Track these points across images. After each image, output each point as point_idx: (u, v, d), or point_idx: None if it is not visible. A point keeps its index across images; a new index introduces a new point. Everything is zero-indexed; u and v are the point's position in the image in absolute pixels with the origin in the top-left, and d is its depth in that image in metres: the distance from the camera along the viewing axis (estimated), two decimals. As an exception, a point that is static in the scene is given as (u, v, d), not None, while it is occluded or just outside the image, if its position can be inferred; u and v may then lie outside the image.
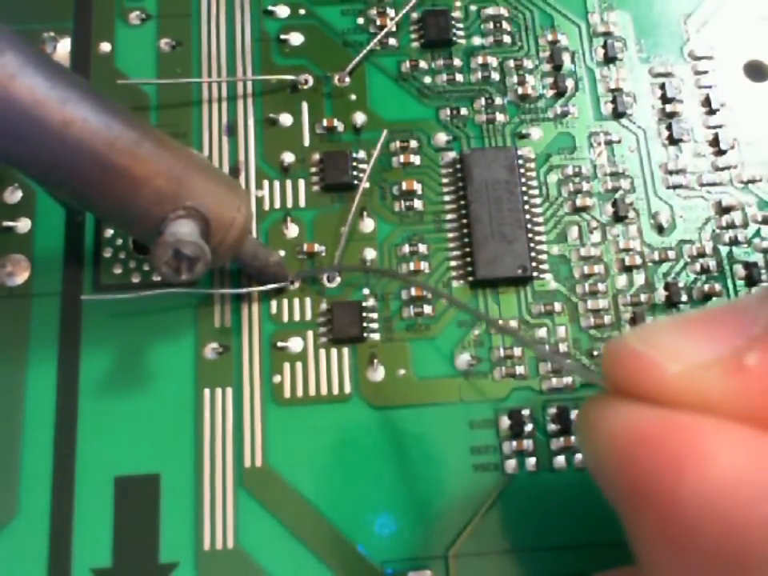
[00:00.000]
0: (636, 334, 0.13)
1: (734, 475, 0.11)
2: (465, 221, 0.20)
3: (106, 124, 0.16)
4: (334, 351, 0.20)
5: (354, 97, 0.22)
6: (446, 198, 0.21)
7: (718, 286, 0.20)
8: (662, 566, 0.12)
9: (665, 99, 0.22)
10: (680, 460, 0.12)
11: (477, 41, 0.22)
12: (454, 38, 0.22)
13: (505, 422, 0.19)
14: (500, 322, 0.20)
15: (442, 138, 0.21)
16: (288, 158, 0.21)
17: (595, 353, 0.20)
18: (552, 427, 0.19)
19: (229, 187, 0.18)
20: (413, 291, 0.20)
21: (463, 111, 0.22)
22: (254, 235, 0.20)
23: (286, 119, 0.21)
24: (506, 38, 0.22)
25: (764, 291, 0.13)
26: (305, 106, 0.22)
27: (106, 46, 0.22)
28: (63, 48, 0.22)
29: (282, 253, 0.20)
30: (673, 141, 0.22)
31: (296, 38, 0.22)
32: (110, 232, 0.20)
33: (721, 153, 0.21)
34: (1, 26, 0.15)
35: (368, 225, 0.21)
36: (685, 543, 0.12)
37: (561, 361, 0.16)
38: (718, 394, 0.12)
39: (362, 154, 0.21)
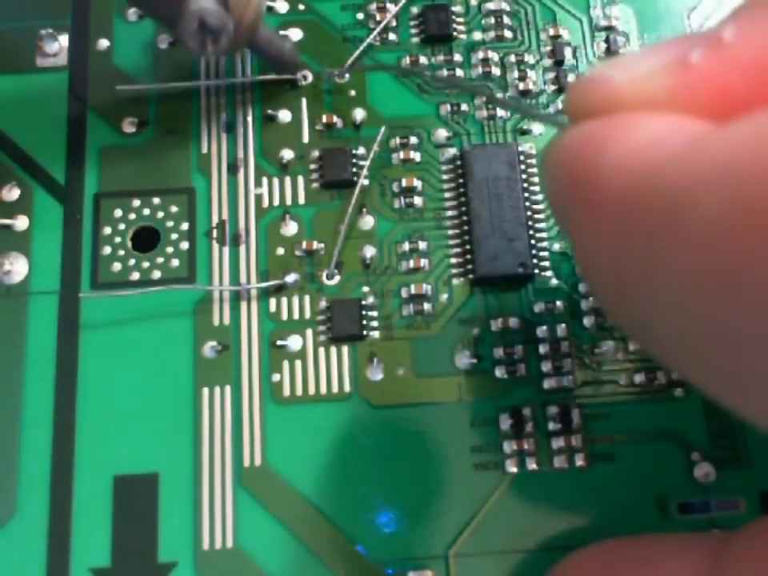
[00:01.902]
0: (584, 76, 0.14)
1: (653, 138, 0.12)
2: (465, 218, 0.20)
3: None
4: (333, 350, 0.19)
5: (353, 93, 0.22)
6: (447, 194, 0.21)
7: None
8: (591, 250, 0.12)
9: (668, 94, 0.22)
10: (605, 135, 0.12)
11: (477, 36, 0.22)
12: (455, 33, 0.22)
13: (505, 420, 0.19)
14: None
15: (442, 134, 0.21)
16: (287, 154, 0.21)
17: (596, 351, 0.19)
18: (553, 426, 0.19)
19: None
20: (413, 289, 0.20)
21: (464, 107, 0.21)
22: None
23: (285, 116, 0.21)
24: (507, 33, 0.22)
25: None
26: (304, 102, 0.21)
27: (104, 43, 0.22)
28: (61, 44, 0.22)
29: (281, 251, 0.20)
30: (676, 136, 0.21)
31: (295, 34, 0.22)
32: (108, 230, 0.20)
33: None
34: None
35: (368, 222, 0.21)
36: (608, 217, 0.12)
37: (530, 110, 0.16)
38: (663, 93, 0.12)
39: (361, 151, 0.21)
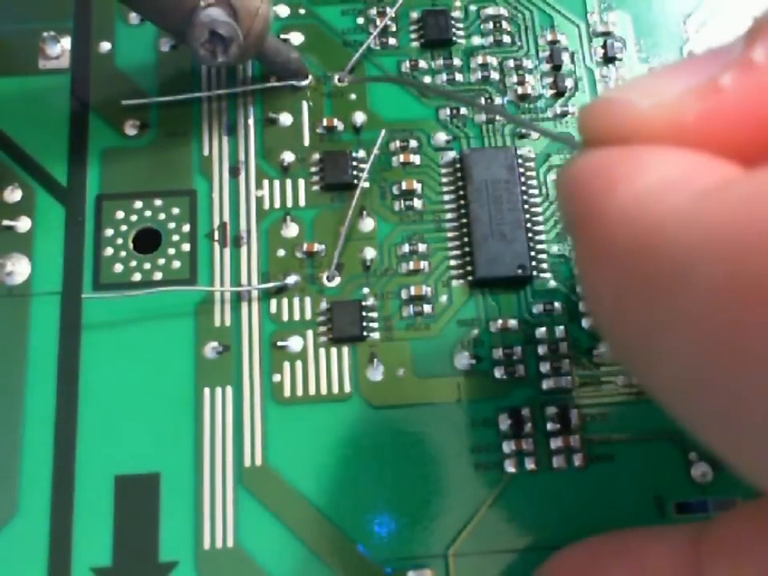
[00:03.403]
0: (609, 89, 0.13)
1: (662, 185, 0.11)
2: (464, 220, 0.20)
3: None
4: (333, 350, 0.20)
5: (353, 96, 0.22)
6: (446, 197, 0.21)
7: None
8: (593, 283, 0.12)
9: (664, 99, 0.22)
10: (616, 172, 0.12)
11: (476, 41, 0.22)
12: (454, 38, 0.22)
13: (505, 421, 0.19)
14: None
15: (441, 137, 0.21)
16: (288, 157, 0.21)
17: (595, 352, 0.20)
18: (551, 427, 0.19)
19: None
20: (413, 290, 0.20)
21: (463, 111, 0.22)
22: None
23: (286, 119, 0.22)
24: (506, 38, 0.22)
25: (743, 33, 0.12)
26: (305, 105, 0.22)
27: (106, 46, 0.22)
28: (64, 47, 0.22)
29: (282, 252, 0.20)
30: (672, 140, 0.22)
31: (296, 38, 0.22)
32: (110, 231, 0.20)
33: (720, 152, 0.21)
34: None
35: (368, 224, 0.21)
36: (611, 261, 0.11)
37: (535, 126, 0.16)
38: (693, 119, 0.11)
39: (362, 154, 0.21)
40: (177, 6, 0.18)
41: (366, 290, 0.20)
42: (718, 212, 0.10)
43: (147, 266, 0.20)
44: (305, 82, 0.22)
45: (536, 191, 0.21)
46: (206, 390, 0.19)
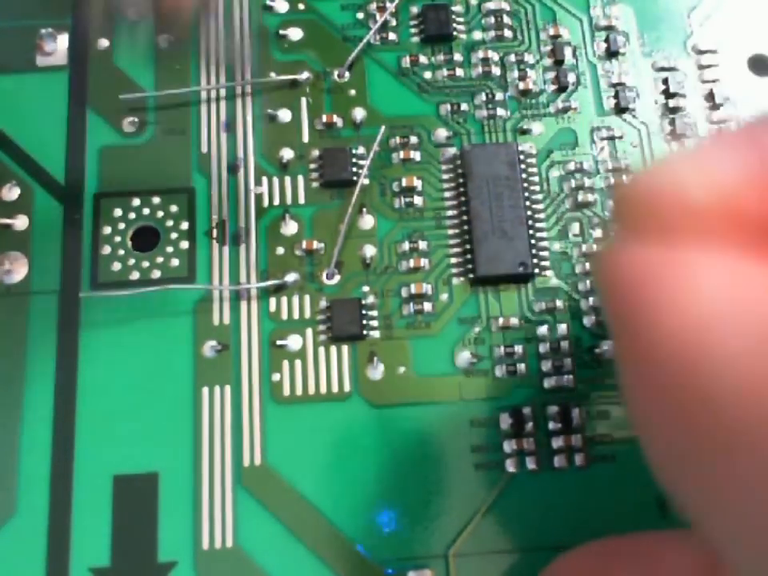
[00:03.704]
0: (647, 173, 0.12)
1: (717, 311, 0.10)
2: (465, 217, 0.20)
3: None
4: (333, 349, 0.19)
5: (353, 92, 0.22)
6: (447, 194, 0.21)
7: (721, 283, 0.20)
8: (634, 391, 0.11)
9: (668, 94, 0.22)
10: (663, 286, 0.11)
11: (477, 35, 0.22)
12: (455, 33, 0.22)
13: (506, 420, 0.19)
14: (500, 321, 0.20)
15: (442, 133, 0.21)
16: (287, 154, 0.21)
17: (597, 350, 0.19)
18: (553, 426, 0.19)
19: None
20: (413, 288, 0.20)
21: (464, 107, 0.21)
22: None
23: (284, 115, 0.21)
24: (507, 33, 0.22)
25: None
26: (304, 101, 0.21)
27: (104, 42, 0.22)
28: (61, 44, 0.22)
29: (281, 250, 0.20)
30: (676, 136, 0.21)
31: (295, 34, 0.22)
32: (108, 229, 0.20)
33: (724, 148, 0.21)
34: None
35: (368, 221, 0.20)
36: (657, 391, 0.11)
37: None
38: (759, 213, 0.10)
39: (361, 150, 0.21)
40: None
41: (365, 288, 0.20)
42: None
43: (145, 264, 0.20)
44: (305, 77, 0.22)
45: (537, 188, 0.21)
46: (205, 389, 0.19)
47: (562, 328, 0.20)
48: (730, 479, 0.09)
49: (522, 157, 0.21)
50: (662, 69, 0.22)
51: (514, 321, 0.20)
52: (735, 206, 0.11)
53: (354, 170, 0.21)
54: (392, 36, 0.22)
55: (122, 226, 0.20)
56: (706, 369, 0.10)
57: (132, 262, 0.20)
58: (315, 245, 0.20)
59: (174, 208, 0.20)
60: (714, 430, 0.10)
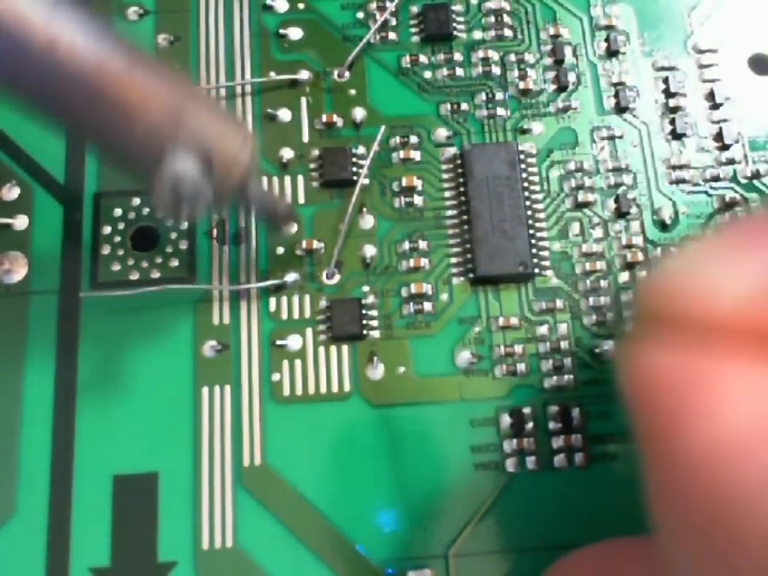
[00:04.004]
0: (675, 272, 0.11)
1: (744, 431, 0.10)
2: (465, 217, 0.20)
3: (97, 46, 0.14)
4: (333, 349, 0.19)
5: (353, 92, 0.22)
6: (447, 194, 0.21)
7: (721, 283, 0.20)
8: (664, 520, 0.11)
9: (668, 93, 0.22)
10: (690, 400, 0.10)
11: (477, 35, 0.22)
12: (455, 32, 0.22)
13: (505, 420, 0.19)
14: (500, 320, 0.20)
15: (442, 133, 0.21)
16: (287, 153, 0.21)
17: (597, 350, 0.19)
18: (553, 425, 0.19)
19: (231, 123, 0.17)
20: (413, 288, 0.20)
21: (464, 106, 0.21)
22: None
23: (284, 115, 0.21)
24: (507, 32, 0.22)
25: None
26: (304, 101, 0.21)
27: (103, 42, 0.22)
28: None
29: (281, 250, 0.20)
30: (676, 135, 0.21)
31: (295, 33, 0.22)
32: (107, 229, 0.20)
33: (725, 147, 0.21)
34: None
35: (368, 221, 0.20)
36: (684, 500, 0.10)
37: None
38: None
39: (361, 150, 0.21)
40: (141, 152, 0.15)
41: (365, 288, 0.20)
42: None
43: (145, 264, 0.20)
44: (305, 77, 0.21)
45: (538, 187, 0.21)
46: (205, 389, 0.19)
47: (562, 328, 0.20)
48: None
49: (522, 156, 0.21)
50: (663, 68, 0.22)
51: (514, 321, 0.20)
52: (765, 314, 0.10)
53: (354, 169, 0.21)
54: (392, 35, 0.22)
55: (121, 225, 0.20)
56: (734, 492, 0.10)
57: (132, 261, 0.20)
58: (315, 244, 0.20)
59: (173, 208, 0.20)
60: (732, 558, 0.09)
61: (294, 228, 0.20)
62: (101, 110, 0.15)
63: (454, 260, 0.20)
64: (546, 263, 0.20)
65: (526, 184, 0.20)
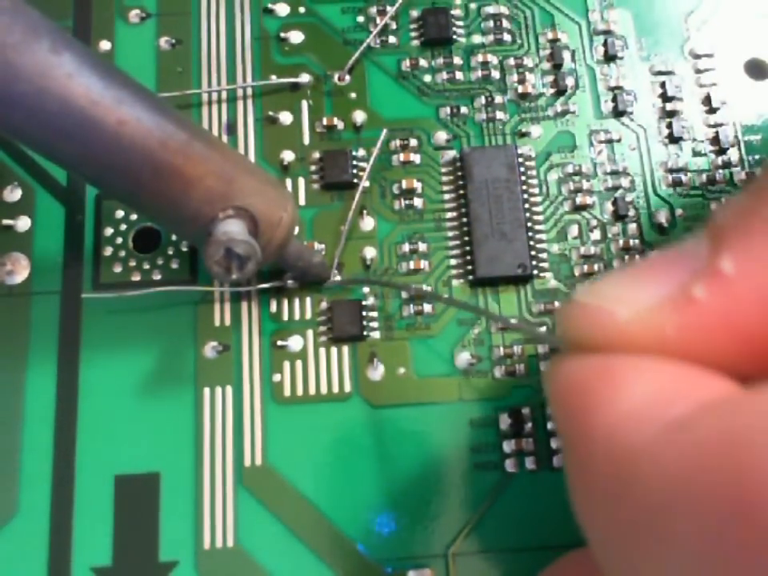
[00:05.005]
0: (583, 290, 0.13)
1: (641, 410, 0.11)
2: (465, 219, 0.20)
3: (159, 124, 0.16)
4: (333, 350, 0.20)
5: (353, 95, 0.22)
6: (446, 196, 0.21)
7: (718, 285, 0.20)
8: (580, 506, 0.12)
9: (665, 97, 0.22)
10: (598, 390, 0.12)
11: (477, 39, 0.22)
12: (454, 37, 0.22)
13: (505, 420, 0.19)
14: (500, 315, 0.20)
15: (441, 136, 0.21)
16: (288, 156, 0.21)
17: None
18: (552, 426, 0.19)
19: (275, 187, 0.18)
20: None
21: (463, 110, 0.22)
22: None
23: (285, 118, 0.21)
24: (507, 36, 0.22)
25: (701, 231, 0.13)
26: (305, 104, 0.22)
27: (105, 45, 0.22)
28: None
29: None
30: (673, 139, 0.22)
31: (296, 37, 0.22)
32: (109, 230, 0.20)
33: (721, 151, 0.21)
34: (57, 26, 0.15)
35: (368, 223, 0.21)
36: (594, 484, 0.11)
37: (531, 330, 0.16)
38: (674, 331, 0.12)
39: (362, 153, 0.21)
40: (195, 216, 0.17)
41: (366, 290, 0.20)
42: (689, 454, 0.10)
43: (147, 265, 0.20)
44: (306, 80, 0.22)
45: (536, 190, 0.21)
46: (206, 390, 0.19)
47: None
48: (654, 558, 0.10)
49: (521, 159, 0.21)
50: (660, 72, 0.22)
51: (514, 322, 0.20)
52: (656, 328, 0.12)
53: (355, 172, 0.21)
54: (392, 39, 0.22)
55: (123, 227, 0.20)
56: (634, 454, 0.11)
57: (133, 263, 0.20)
58: (316, 246, 0.20)
59: (175, 209, 0.20)
60: (637, 513, 0.11)
61: (296, 231, 0.20)
62: (161, 178, 0.16)
63: (453, 262, 0.20)
64: (545, 265, 0.20)
65: (524, 187, 0.21)
